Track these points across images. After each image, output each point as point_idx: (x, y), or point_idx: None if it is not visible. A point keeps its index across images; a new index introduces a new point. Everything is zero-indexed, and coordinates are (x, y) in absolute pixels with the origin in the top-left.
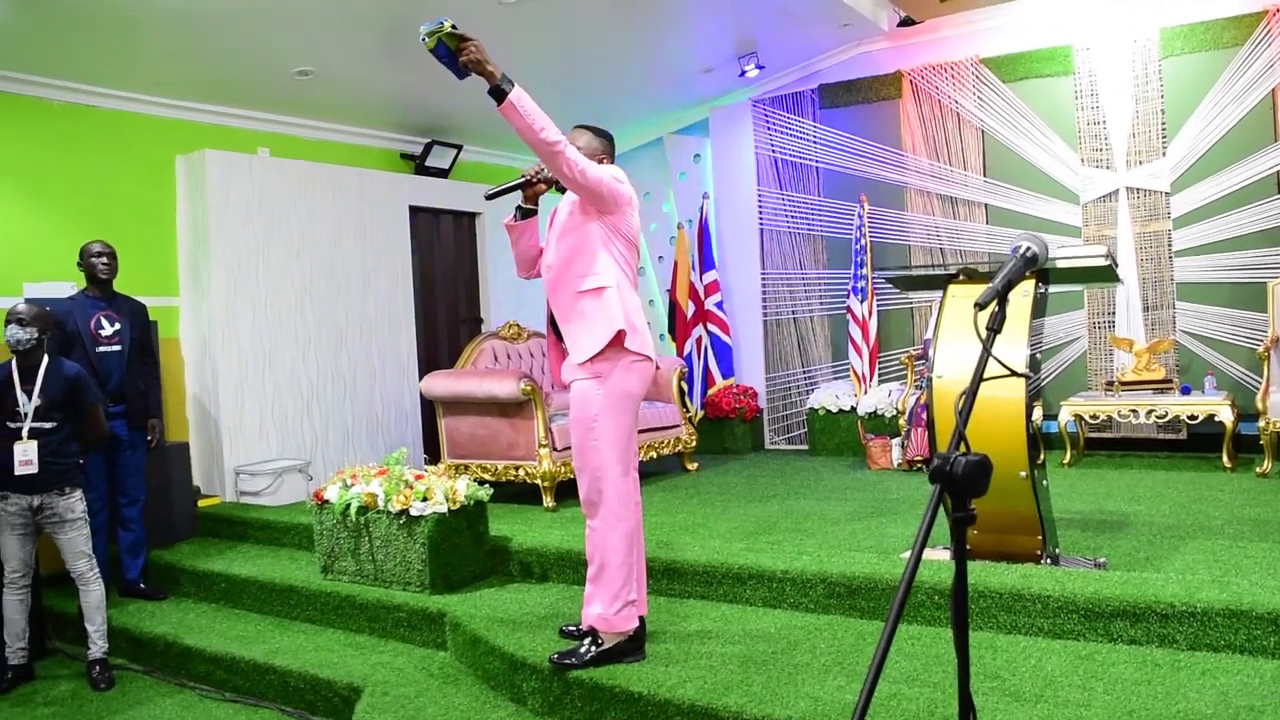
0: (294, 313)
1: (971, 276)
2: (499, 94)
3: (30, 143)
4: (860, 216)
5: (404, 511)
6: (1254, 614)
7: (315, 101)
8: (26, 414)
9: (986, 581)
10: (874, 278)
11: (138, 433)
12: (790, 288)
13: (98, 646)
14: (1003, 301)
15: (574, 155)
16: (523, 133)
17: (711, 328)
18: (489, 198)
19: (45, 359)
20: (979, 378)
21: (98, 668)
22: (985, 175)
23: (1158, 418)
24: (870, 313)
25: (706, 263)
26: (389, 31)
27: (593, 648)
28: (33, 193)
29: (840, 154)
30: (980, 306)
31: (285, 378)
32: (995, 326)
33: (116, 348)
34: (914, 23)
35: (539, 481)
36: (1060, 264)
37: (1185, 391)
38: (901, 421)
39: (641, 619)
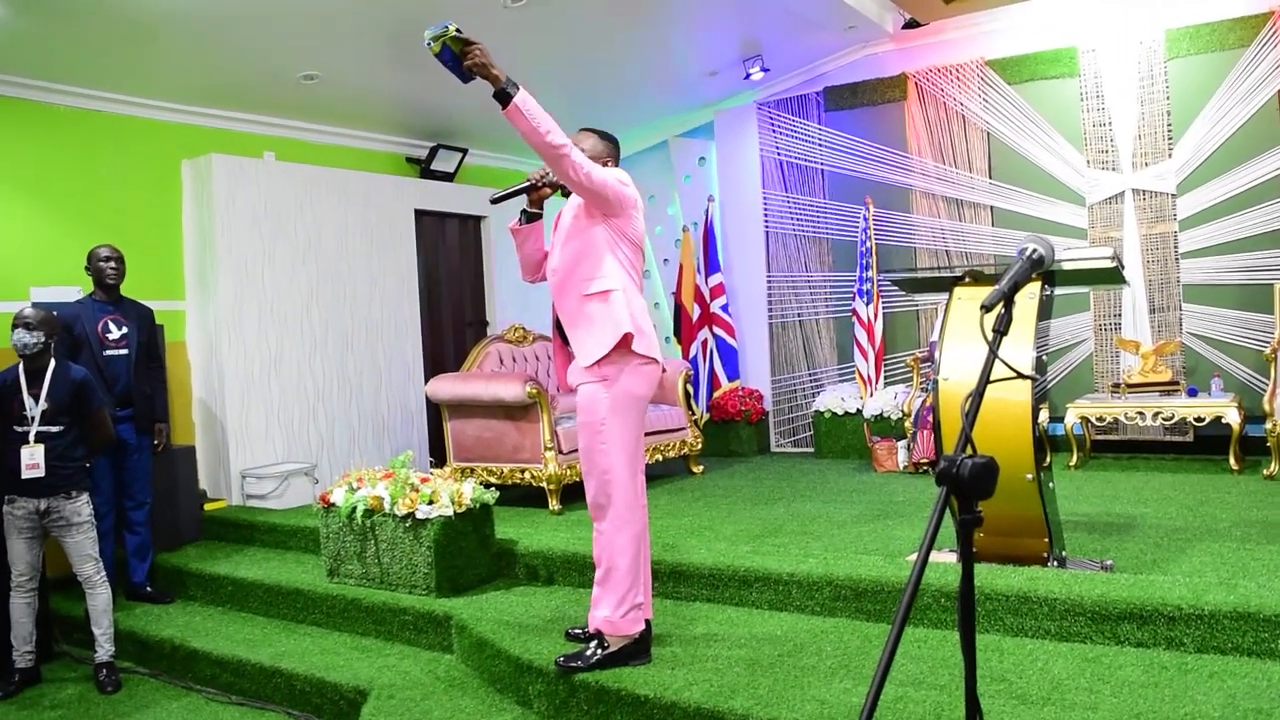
0: (300, 316)
1: (977, 279)
2: (504, 97)
3: (37, 147)
4: (865, 219)
5: (410, 514)
6: (1261, 616)
7: (321, 106)
8: (33, 418)
9: (993, 584)
10: (879, 280)
11: (144, 436)
12: (795, 290)
13: (104, 650)
14: (1009, 304)
15: (579, 158)
16: (527, 136)
17: (717, 330)
18: (494, 201)
19: (52, 363)
20: (985, 380)
21: (104, 671)
22: (990, 177)
23: (1164, 420)
24: (876, 315)
25: (712, 265)
26: (394, 36)
27: (599, 651)
28: (40, 197)
29: (845, 156)
30: (986, 309)
31: (291, 381)
32: (1001, 329)
33: (123, 351)
34: (919, 25)
35: (545, 484)
36: (1066, 266)
37: (1192, 393)
38: (907, 424)
39: (647, 622)
